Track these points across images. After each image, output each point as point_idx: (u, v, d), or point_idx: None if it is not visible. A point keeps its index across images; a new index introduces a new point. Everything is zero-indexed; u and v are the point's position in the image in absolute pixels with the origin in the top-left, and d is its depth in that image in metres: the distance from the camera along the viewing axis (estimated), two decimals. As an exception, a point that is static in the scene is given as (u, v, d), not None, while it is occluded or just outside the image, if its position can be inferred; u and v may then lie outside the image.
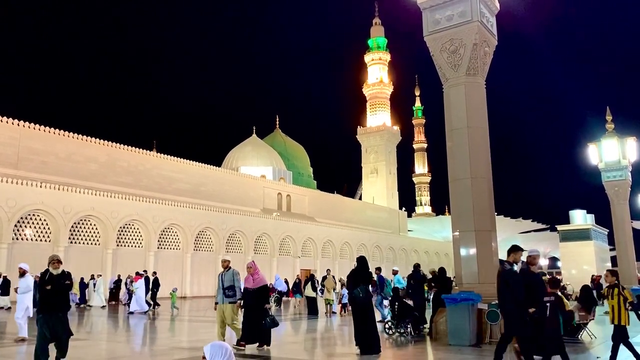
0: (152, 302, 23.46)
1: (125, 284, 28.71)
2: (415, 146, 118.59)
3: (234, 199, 49.16)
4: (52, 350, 8.03)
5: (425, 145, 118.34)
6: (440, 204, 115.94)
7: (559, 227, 51.65)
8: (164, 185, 43.26)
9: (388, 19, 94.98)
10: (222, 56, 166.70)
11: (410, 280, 16.03)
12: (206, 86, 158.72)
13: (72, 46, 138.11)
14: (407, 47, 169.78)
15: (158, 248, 37.55)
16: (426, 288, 15.91)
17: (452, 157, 12.24)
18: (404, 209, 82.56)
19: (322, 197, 63.01)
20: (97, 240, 34.26)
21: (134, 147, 41.76)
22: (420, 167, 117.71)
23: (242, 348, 10.11)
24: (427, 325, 12.91)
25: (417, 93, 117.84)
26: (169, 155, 44.93)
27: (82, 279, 27.26)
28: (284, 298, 30.54)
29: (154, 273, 25.53)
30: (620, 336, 8.01)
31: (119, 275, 31.13)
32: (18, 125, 34.55)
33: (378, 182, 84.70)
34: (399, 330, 12.61)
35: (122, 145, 40.81)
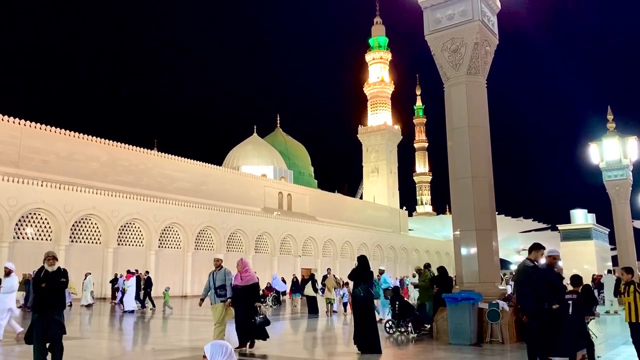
0: (144, 301, 23.49)
1: (117, 282, 28.57)
2: (416, 145, 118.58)
3: (235, 198, 49.19)
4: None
5: (426, 145, 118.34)
6: (441, 203, 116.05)
7: (560, 227, 51.59)
8: (165, 185, 43.30)
9: (389, 18, 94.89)
10: (223, 55, 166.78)
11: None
12: (207, 85, 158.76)
13: (72, 45, 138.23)
14: (408, 46, 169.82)
15: (159, 247, 37.58)
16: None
17: (453, 156, 12.24)
18: (404, 208, 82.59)
19: (323, 196, 63.02)
20: (98, 239, 34.29)
21: (134, 146, 41.81)
22: (421, 166, 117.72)
23: (244, 349, 10.11)
24: (427, 325, 12.89)
25: (418, 92, 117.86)
26: (169, 154, 44.99)
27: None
28: (282, 297, 30.53)
29: (147, 272, 25.43)
30: (636, 334, 7.96)
31: (115, 274, 31.11)
32: (19, 124, 34.59)
33: (379, 181, 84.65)
34: (399, 329, 12.61)
35: (123, 144, 40.86)
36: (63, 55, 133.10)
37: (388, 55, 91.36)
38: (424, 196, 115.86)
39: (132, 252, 35.87)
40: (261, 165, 61.37)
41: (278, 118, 79.35)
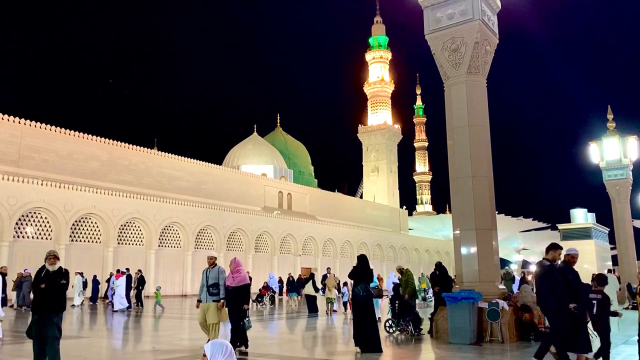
0: (135, 300, 23.43)
1: (108, 281, 28.42)
2: (416, 145, 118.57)
3: (235, 197, 49.21)
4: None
5: (426, 144, 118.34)
6: (441, 203, 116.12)
7: (560, 226, 51.56)
8: (165, 184, 43.32)
9: (389, 17, 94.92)
10: (224, 54, 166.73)
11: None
12: (207, 84, 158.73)
13: (73, 44, 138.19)
14: (408, 46, 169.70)
15: (159, 246, 37.58)
16: (424, 286, 15.87)
17: (453, 155, 12.24)
18: (404, 207, 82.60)
19: (323, 195, 63.04)
20: (98, 238, 34.30)
21: (135, 145, 41.82)
22: (421, 165, 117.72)
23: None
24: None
25: (418, 91, 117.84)
26: (170, 154, 44.99)
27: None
28: (279, 297, 30.55)
29: (139, 271, 25.29)
30: None
31: (110, 273, 31.00)
32: (19, 123, 34.60)
33: (379, 181, 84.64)
34: (399, 328, 12.62)
35: (123, 143, 40.88)
36: (63, 54, 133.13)
37: (388, 55, 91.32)
38: (424, 195, 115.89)
39: (132, 251, 35.88)
40: (261, 164, 61.38)
41: (278, 117, 79.45)
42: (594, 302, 8.02)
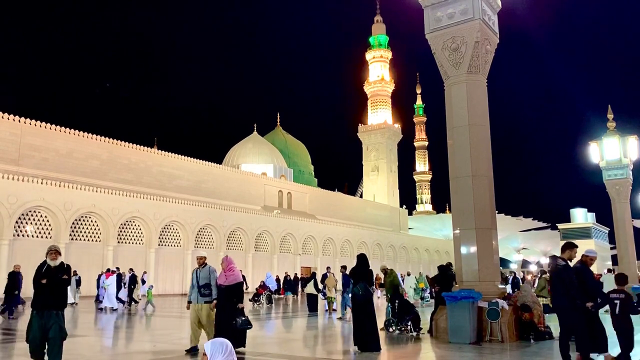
0: (127, 299, 23.41)
1: (98, 280, 28.26)
2: (416, 144, 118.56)
3: (235, 196, 49.21)
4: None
5: (426, 143, 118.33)
6: (441, 202, 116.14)
7: (560, 226, 51.70)
8: (165, 183, 43.32)
9: (389, 17, 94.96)
10: (224, 53, 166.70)
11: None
12: (207, 83, 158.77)
13: (73, 44, 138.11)
14: (408, 45, 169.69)
15: (159, 245, 37.59)
16: (422, 286, 15.88)
17: (453, 155, 12.23)
18: (404, 206, 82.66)
19: (322, 194, 63.05)
20: (98, 237, 34.30)
21: (134, 144, 41.82)
22: (421, 165, 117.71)
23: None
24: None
25: (419, 91, 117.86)
26: (169, 153, 44.98)
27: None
28: (276, 296, 30.54)
29: (131, 270, 25.14)
30: None
31: (100, 273, 30.81)
32: (19, 121, 34.60)
33: (379, 180, 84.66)
34: (399, 328, 12.61)
35: (123, 142, 40.88)
36: (64, 52, 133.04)
37: (388, 54, 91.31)
38: (424, 195, 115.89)
39: (132, 250, 35.89)
40: (261, 163, 61.39)
41: (278, 116, 79.48)
42: (617, 301, 7.86)
